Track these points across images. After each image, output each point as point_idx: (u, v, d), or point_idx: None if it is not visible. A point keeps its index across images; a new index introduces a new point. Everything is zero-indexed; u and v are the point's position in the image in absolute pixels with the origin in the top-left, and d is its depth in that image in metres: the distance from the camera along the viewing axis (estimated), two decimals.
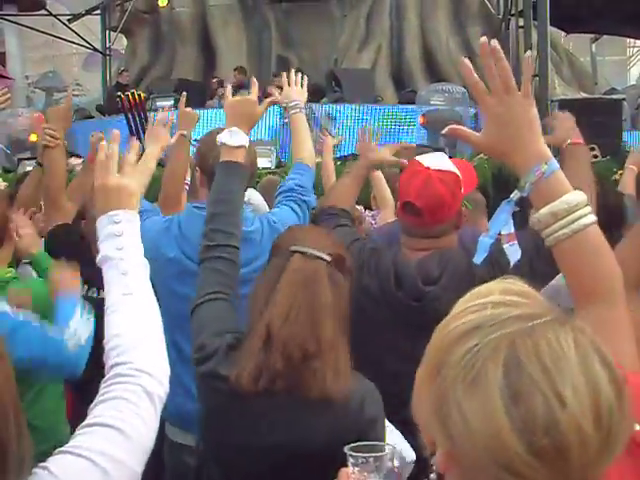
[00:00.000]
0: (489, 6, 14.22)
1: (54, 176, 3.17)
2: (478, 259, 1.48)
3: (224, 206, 2.09)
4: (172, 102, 10.41)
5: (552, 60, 11.21)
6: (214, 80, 13.49)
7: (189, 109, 3.50)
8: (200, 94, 12.29)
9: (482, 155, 8.77)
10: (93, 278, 2.74)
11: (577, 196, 1.28)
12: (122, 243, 1.54)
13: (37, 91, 23.10)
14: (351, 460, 1.44)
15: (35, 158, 9.51)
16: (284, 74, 2.99)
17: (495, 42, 1.31)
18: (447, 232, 2.34)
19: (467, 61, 1.33)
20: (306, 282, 1.69)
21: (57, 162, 3.20)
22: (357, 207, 3.94)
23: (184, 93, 3.53)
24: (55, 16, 15.62)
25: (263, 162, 8.77)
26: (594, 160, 7.81)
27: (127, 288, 1.48)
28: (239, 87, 12.53)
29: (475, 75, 1.30)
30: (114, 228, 1.55)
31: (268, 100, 2.50)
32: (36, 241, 3.03)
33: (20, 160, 10.21)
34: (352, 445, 1.45)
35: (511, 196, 1.37)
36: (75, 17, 15.97)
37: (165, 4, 15.23)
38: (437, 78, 14.91)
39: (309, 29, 15.91)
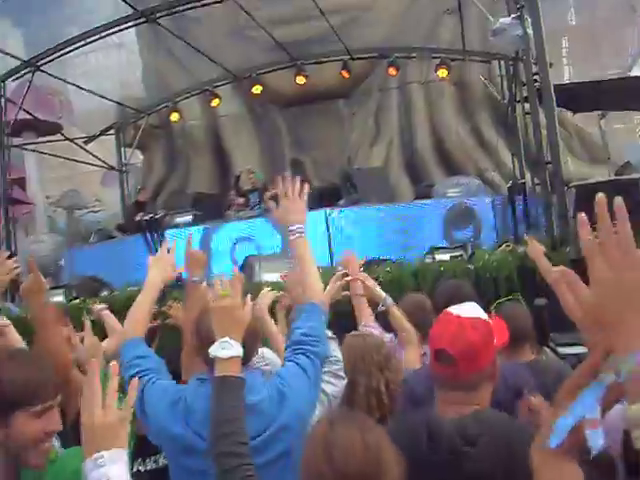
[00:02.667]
0: (494, 92, 14.42)
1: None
2: (553, 443, 1.27)
3: (229, 426, 2.07)
4: (190, 218, 10.55)
5: (562, 136, 11.23)
6: (231, 192, 13.66)
7: (197, 250, 3.37)
8: (217, 206, 12.45)
9: (504, 247, 8.71)
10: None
11: None
12: None
13: (58, 210, 23.60)
14: None
15: (61, 287, 9.59)
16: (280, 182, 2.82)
17: (620, 200, 1.14)
18: (482, 383, 2.21)
19: (584, 217, 1.17)
20: None
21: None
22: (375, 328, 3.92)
23: (190, 233, 3.38)
24: (71, 140, 16.03)
25: None
26: None
27: None
28: (255, 189, 12.66)
29: (590, 233, 1.15)
30: (100, 472, 1.63)
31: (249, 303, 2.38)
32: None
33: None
34: None
35: (602, 378, 1.19)
36: (90, 139, 16.38)
37: (177, 119, 15.62)
38: (449, 166, 15.05)
39: (319, 130, 16.25)
